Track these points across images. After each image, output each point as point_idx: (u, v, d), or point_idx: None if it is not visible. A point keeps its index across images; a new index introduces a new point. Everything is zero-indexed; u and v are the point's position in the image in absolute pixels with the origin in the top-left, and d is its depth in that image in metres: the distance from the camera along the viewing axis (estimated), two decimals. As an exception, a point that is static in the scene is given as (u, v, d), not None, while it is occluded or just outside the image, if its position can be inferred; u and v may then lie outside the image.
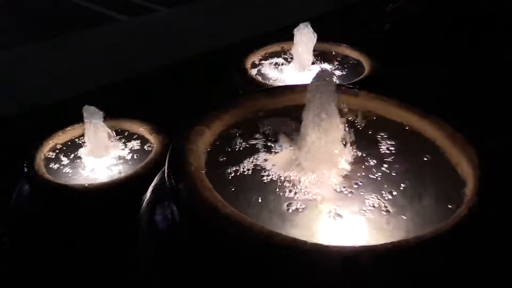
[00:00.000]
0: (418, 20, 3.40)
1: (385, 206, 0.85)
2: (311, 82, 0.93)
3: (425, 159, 0.96)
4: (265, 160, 0.97)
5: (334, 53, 2.13)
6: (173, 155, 0.90)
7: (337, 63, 2.06)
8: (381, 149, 1.00)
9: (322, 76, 0.92)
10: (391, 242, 0.71)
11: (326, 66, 2.04)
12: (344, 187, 0.90)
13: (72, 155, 1.67)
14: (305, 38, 1.99)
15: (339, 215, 0.83)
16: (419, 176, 0.92)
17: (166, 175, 0.87)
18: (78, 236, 1.48)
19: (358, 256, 0.68)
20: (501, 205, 0.81)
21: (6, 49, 3.82)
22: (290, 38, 2.03)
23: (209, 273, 0.77)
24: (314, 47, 2.02)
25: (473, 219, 0.75)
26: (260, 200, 0.86)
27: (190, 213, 0.80)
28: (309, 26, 1.98)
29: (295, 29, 1.99)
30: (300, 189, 0.89)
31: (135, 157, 1.66)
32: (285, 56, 2.13)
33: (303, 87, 1.09)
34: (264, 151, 1.00)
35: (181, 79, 3.11)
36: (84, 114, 1.64)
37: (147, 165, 1.53)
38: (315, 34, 1.98)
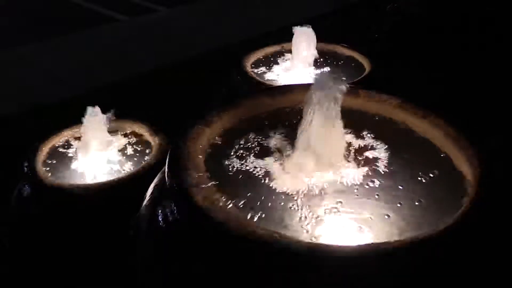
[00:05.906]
0: (418, 20, 3.40)
1: (385, 206, 0.85)
2: (315, 83, 0.93)
3: (425, 159, 0.96)
4: (265, 160, 0.97)
5: (334, 53, 2.13)
6: (173, 155, 0.90)
7: (337, 63, 2.06)
8: (381, 149, 1.00)
9: (327, 78, 0.92)
10: (391, 242, 0.71)
11: (326, 66, 2.04)
12: (343, 186, 0.90)
13: (72, 155, 1.67)
14: (304, 39, 1.99)
15: (339, 215, 0.83)
16: (419, 176, 0.92)
17: (166, 175, 0.87)
18: (78, 236, 1.48)
19: (357, 255, 0.69)
20: (501, 205, 0.81)
21: (6, 49, 3.81)
22: (290, 38, 2.03)
23: (209, 273, 0.77)
24: (314, 47, 2.02)
25: (473, 219, 0.76)
26: (260, 200, 0.86)
27: (190, 213, 0.80)
28: (308, 27, 1.99)
29: (294, 29, 1.99)
30: (301, 189, 0.89)
31: (135, 157, 1.66)
32: (285, 56, 2.12)
33: (303, 87, 1.09)
34: (264, 151, 1.00)
35: (181, 79, 3.11)
36: (85, 115, 1.65)
37: (147, 165, 1.53)
38: (314, 34, 1.98)
